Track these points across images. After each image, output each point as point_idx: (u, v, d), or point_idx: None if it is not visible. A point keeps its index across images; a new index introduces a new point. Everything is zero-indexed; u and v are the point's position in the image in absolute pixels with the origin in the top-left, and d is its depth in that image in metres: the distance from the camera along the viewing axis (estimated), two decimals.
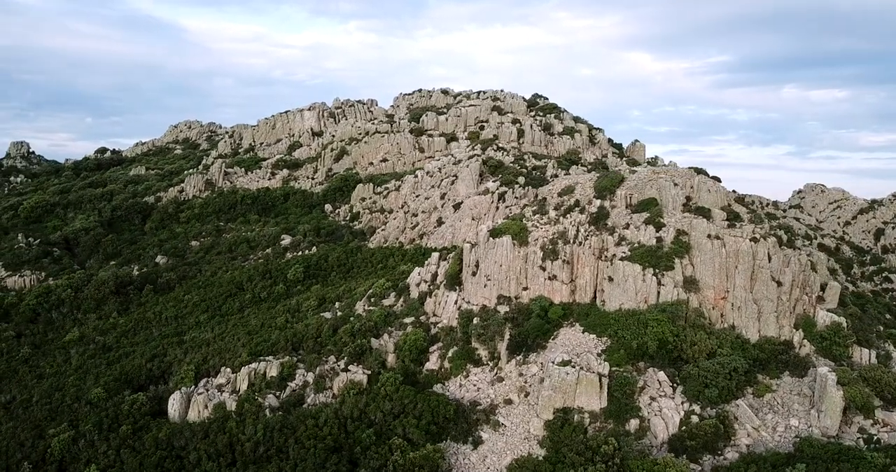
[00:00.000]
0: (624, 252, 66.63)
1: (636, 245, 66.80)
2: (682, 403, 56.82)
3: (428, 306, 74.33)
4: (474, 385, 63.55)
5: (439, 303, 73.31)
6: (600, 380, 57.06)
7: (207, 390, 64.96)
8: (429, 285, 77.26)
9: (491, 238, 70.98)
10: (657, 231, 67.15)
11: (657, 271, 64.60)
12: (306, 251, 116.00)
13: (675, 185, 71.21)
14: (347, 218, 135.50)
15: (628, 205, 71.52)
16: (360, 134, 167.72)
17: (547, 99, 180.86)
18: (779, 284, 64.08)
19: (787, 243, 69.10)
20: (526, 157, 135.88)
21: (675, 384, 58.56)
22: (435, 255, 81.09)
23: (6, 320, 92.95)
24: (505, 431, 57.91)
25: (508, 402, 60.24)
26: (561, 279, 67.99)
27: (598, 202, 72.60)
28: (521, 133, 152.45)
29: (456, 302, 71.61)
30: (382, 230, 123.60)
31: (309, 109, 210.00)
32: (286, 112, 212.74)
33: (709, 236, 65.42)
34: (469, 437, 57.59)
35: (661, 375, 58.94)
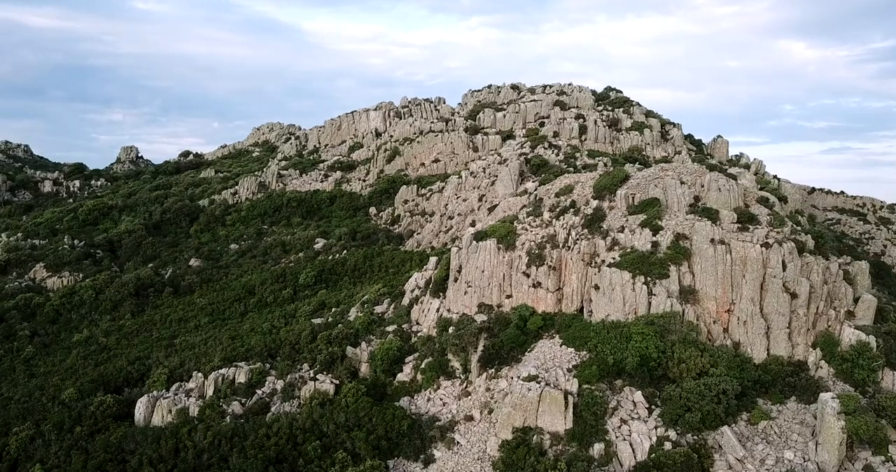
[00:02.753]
0: (615, 258, 63.49)
1: (629, 250, 63.48)
2: (656, 427, 53.37)
3: (413, 313, 73.71)
4: (441, 399, 62.41)
5: (423, 311, 72.53)
6: (566, 398, 54.63)
7: (175, 395, 67.22)
8: (420, 292, 76.50)
9: (475, 242, 69.51)
10: (654, 235, 63.50)
11: (649, 279, 61.06)
12: (337, 255, 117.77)
13: (683, 183, 67.16)
14: (388, 221, 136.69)
15: (629, 206, 68.06)
16: (414, 134, 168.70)
17: (620, 92, 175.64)
18: (793, 296, 59.25)
19: (815, 249, 63.39)
20: (579, 155, 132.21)
21: (652, 406, 55.20)
22: (433, 259, 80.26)
23: (31, 319, 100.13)
24: (459, 449, 56.43)
25: (469, 418, 58.74)
26: (546, 287, 65.62)
27: (595, 203, 69.51)
28: (583, 129, 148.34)
29: (438, 310, 70.58)
30: (418, 234, 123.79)
31: (375, 109, 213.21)
32: (352, 112, 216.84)
33: (712, 240, 61.31)
34: (421, 455, 56.69)
35: (638, 395, 55.74)
